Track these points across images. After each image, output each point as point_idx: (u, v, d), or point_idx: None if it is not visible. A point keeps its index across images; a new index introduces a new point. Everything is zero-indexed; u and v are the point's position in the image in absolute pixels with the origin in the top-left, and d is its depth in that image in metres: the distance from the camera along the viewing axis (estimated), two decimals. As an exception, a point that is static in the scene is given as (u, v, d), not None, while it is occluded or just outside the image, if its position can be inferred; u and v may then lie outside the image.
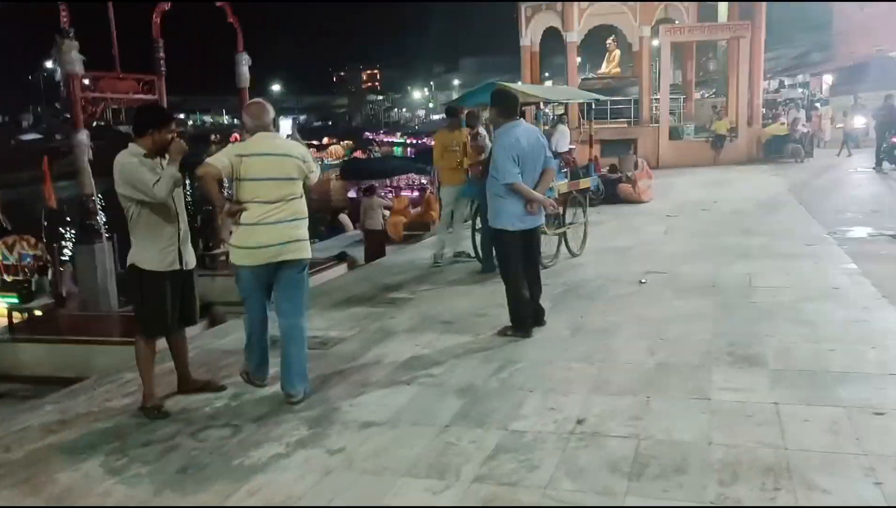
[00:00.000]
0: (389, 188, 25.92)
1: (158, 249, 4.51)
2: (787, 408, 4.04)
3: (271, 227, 4.41)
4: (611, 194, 14.24)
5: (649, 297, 6.85)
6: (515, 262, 5.63)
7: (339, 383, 4.96)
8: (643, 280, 7.50)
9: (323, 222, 23.16)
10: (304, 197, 4.60)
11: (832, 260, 8.00)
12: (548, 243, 8.50)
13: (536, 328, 5.82)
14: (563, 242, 8.88)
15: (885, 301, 6.15)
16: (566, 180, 8.79)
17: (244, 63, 13.62)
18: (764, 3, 21.99)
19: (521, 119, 5.59)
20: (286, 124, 46.65)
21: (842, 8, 34.64)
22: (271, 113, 4.60)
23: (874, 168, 17.37)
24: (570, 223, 9.07)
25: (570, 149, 14.23)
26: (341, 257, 12.23)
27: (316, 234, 22.23)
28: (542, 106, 7.96)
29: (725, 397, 4.29)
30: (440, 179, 9.33)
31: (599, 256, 9.08)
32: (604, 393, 4.48)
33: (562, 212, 8.75)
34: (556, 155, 15.95)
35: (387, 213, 15.97)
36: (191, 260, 4.71)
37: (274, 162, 4.43)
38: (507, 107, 5.57)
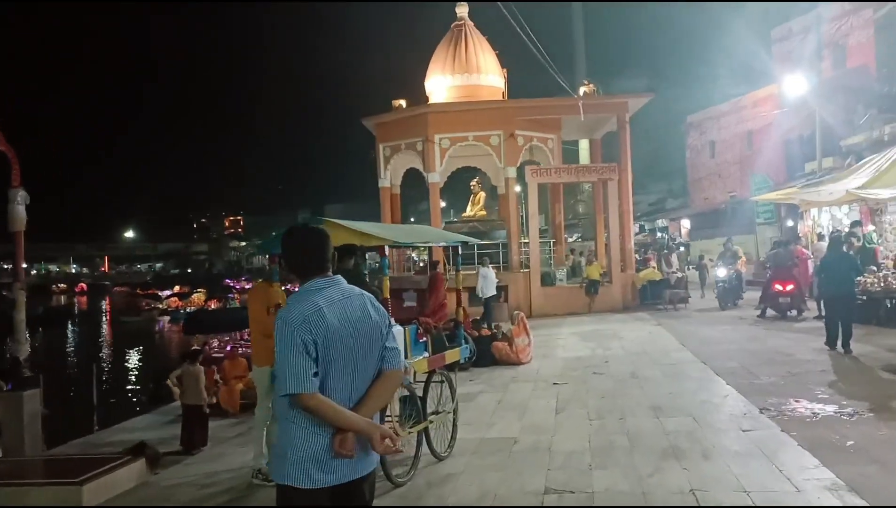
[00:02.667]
0: (232, 344, 22.74)
1: None
2: None
3: None
4: (484, 352, 11.98)
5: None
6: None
7: None
8: (545, 510, 4.99)
9: (145, 390, 19.48)
10: None
11: (792, 459, 5.81)
12: (404, 445, 5.91)
13: None
14: (425, 440, 6.31)
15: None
16: (426, 355, 6.32)
17: (19, 201, 10.60)
18: (628, 146, 21.45)
19: (338, 277, 3.08)
20: None
21: (694, 158, 35.76)
22: None
23: (757, 315, 16.29)
24: (434, 413, 6.54)
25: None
26: (138, 451, 8.90)
27: (138, 405, 18.55)
28: (386, 252, 5.54)
29: None
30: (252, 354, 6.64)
31: (476, 456, 6.53)
32: None
33: (421, 399, 6.25)
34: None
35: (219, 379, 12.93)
36: None
37: None
38: (305, 256, 3.06)
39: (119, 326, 49.80)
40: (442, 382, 6.79)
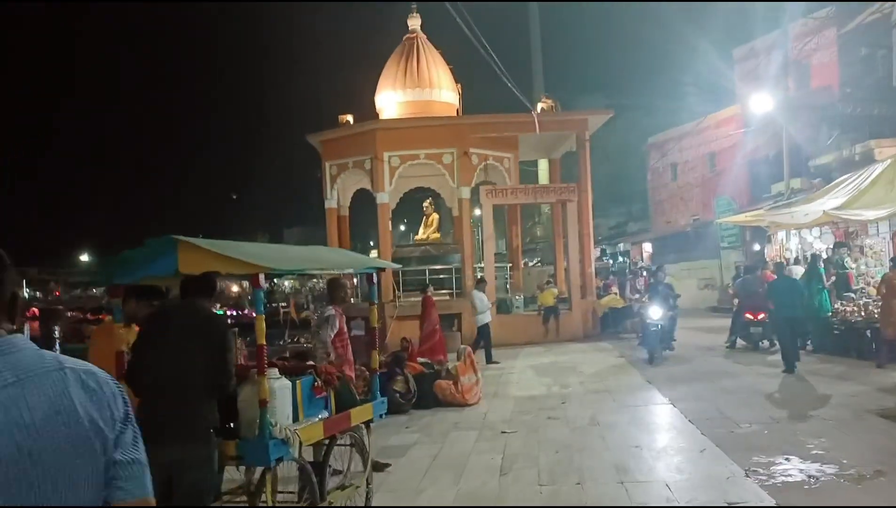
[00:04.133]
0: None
1: None
2: None
3: None
4: (426, 393, 10.54)
5: None
6: None
7: None
8: None
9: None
10: None
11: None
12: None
13: None
14: (326, 523, 4.85)
15: None
16: (324, 415, 4.85)
17: None
18: (588, 165, 20.34)
19: (15, 339, 1.64)
20: None
21: (656, 180, 34.94)
22: None
23: (727, 346, 15.15)
24: (339, 488, 5.08)
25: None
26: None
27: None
28: (261, 282, 4.06)
29: None
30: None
31: (394, 543, 5.08)
32: None
33: (318, 473, 4.80)
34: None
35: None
36: None
37: None
38: None
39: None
40: (351, 446, 5.34)
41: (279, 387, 4.34)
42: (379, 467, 6.92)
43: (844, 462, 6.34)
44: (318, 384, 4.77)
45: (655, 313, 13.55)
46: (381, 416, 5.49)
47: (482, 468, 6.97)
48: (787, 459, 6.54)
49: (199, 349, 3.96)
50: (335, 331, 7.01)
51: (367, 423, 5.39)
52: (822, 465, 6.29)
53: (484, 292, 16.23)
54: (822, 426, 7.80)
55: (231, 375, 3.98)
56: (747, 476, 6.09)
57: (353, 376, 7.44)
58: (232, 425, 4.40)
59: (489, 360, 14.90)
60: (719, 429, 7.85)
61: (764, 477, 6.04)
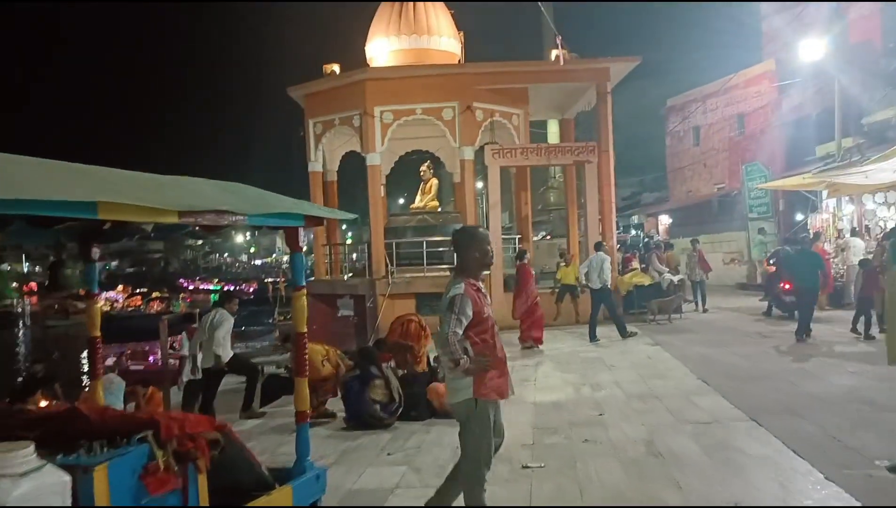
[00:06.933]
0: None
1: None
2: None
3: None
4: (418, 399, 8.05)
5: None
6: None
7: None
8: None
9: None
10: None
11: None
12: None
13: None
14: None
15: None
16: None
17: None
18: (610, 122, 17.73)
19: None
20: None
21: (675, 145, 32.16)
22: None
23: (763, 312, 15.06)
24: None
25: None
26: None
27: None
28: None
29: None
30: None
31: None
32: None
33: None
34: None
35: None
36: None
37: None
38: None
39: (42, 331, 44.93)
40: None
41: (22, 497, 1.79)
42: None
43: None
44: (158, 463, 2.21)
45: None
46: (314, 504, 2.97)
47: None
48: None
49: None
50: (466, 320, 4.09)
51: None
52: None
53: (604, 250, 13.95)
54: None
55: None
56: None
57: (507, 390, 4.28)
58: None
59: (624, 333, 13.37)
60: (844, 466, 5.31)
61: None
